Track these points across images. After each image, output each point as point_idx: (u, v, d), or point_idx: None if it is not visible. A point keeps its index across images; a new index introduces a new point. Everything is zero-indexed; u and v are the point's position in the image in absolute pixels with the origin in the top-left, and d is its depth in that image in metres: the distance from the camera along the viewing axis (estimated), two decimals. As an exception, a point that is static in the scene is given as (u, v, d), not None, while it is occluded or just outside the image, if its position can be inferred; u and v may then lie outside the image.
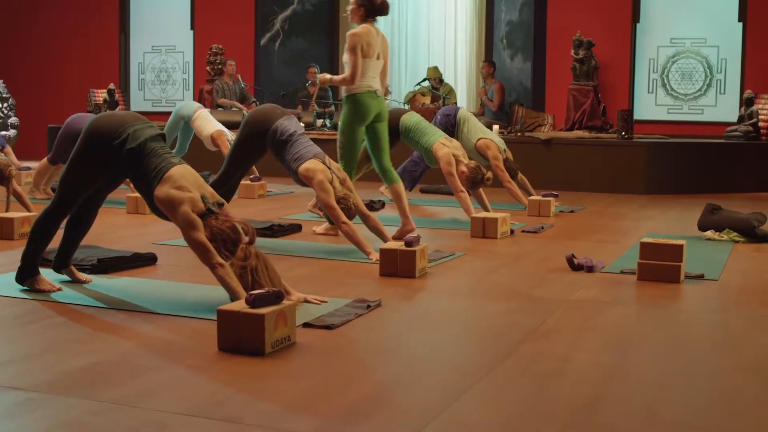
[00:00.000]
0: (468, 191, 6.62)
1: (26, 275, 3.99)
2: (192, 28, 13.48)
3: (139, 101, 13.84)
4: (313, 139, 5.55)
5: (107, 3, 13.79)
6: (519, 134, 10.32)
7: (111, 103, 12.97)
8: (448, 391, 2.70)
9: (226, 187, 5.55)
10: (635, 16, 11.09)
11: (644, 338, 3.45)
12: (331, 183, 5.06)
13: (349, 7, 5.69)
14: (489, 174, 6.60)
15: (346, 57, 5.74)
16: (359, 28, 5.66)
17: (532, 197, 7.39)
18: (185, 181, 3.70)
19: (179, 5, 13.47)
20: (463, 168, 6.53)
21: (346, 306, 3.78)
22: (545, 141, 9.83)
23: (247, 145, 5.47)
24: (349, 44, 5.64)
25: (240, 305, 3.12)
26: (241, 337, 3.05)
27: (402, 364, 3.02)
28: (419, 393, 2.70)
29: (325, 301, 3.85)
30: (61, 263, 4.16)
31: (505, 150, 7.41)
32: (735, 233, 5.90)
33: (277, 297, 3.14)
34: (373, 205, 7.55)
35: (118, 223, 6.41)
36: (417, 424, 2.40)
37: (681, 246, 4.50)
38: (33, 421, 2.39)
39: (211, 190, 3.80)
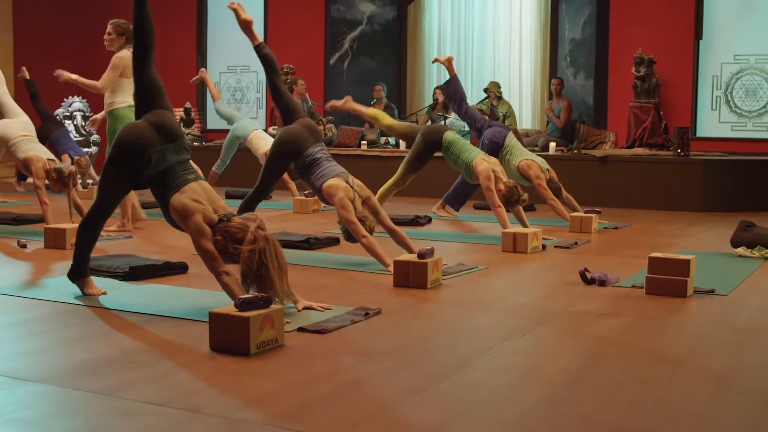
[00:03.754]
0: (506, 209, 6.76)
1: (76, 275, 4.37)
2: (265, 48, 13.91)
3: (214, 119, 14.30)
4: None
5: (184, 24, 14.38)
6: (575, 151, 10.38)
7: (187, 122, 13.57)
8: (404, 390, 2.87)
9: (259, 202, 5.86)
10: (698, 33, 11.01)
11: (621, 348, 3.53)
12: (352, 202, 5.28)
13: (109, 37, 6.75)
14: (525, 195, 6.74)
15: (107, 74, 6.82)
16: (123, 53, 6.70)
17: (573, 213, 7.46)
18: (199, 195, 3.98)
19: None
20: (501, 186, 6.70)
21: (346, 313, 3.98)
22: (601, 158, 9.86)
23: (277, 163, 5.74)
24: (112, 63, 6.74)
25: (230, 308, 3.37)
26: (229, 338, 3.30)
27: (376, 365, 3.19)
28: (376, 391, 2.88)
29: (329, 309, 4.07)
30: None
31: (548, 170, 7.53)
32: (766, 250, 5.89)
33: (265, 302, 3.38)
34: (418, 220, 7.74)
35: (167, 234, 6.75)
36: (359, 418, 2.59)
37: (688, 261, 4.56)
38: (14, 405, 2.67)
39: (223, 204, 4.05)
